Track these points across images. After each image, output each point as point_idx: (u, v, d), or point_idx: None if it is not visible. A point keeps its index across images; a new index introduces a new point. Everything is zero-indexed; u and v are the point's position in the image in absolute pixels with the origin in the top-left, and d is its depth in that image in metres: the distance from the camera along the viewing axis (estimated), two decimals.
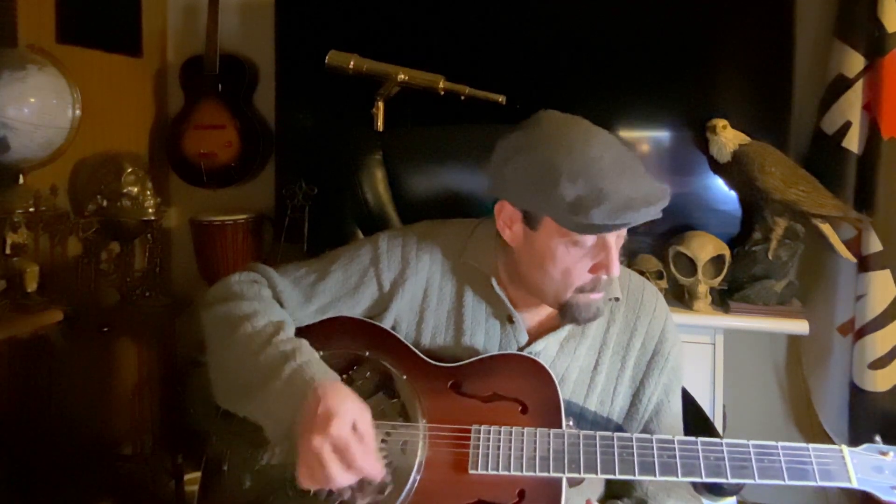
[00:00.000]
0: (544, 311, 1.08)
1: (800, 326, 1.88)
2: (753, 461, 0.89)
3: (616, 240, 0.97)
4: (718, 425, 1.88)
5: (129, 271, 2.31)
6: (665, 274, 1.97)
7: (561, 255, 0.96)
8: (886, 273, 1.91)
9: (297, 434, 0.87)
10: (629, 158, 0.94)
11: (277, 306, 1.06)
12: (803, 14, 2.00)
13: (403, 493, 0.92)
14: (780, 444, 0.90)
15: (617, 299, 1.08)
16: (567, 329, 1.06)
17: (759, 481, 0.88)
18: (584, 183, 0.89)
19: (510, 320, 1.06)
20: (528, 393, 0.98)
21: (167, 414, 2.41)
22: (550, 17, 2.13)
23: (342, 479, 0.85)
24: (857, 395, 1.96)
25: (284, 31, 2.36)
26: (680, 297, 1.98)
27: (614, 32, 2.11)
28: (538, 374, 0.99)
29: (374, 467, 0.87)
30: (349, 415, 0.86)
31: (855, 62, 1.92)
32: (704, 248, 1.90)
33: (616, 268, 0.96)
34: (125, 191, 2.18)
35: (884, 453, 0.89)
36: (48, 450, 1.96)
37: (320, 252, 1.16)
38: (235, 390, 0.98)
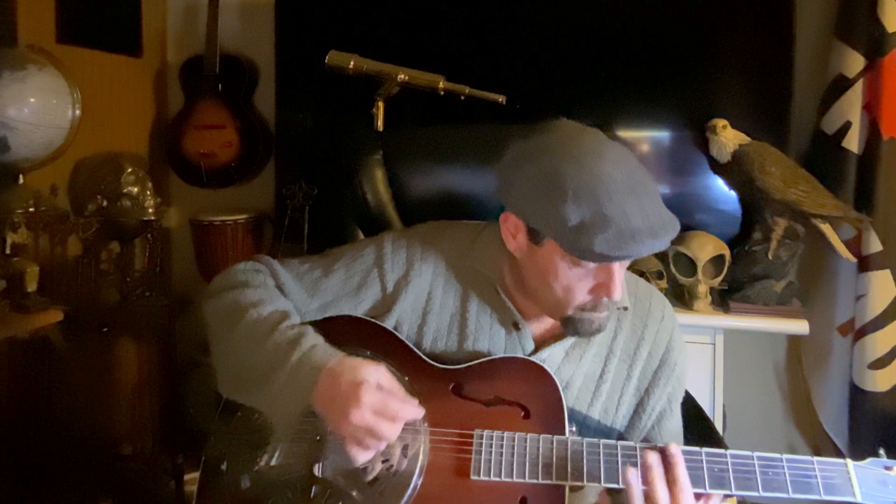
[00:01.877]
0: (550, 319, 1.06)
1: (800, 326, 1.88)
2: (758, 473, 0.88)
3: (620, 262, 0.94)
4: (718, 425, 1.88)
5: (129, 271, 2.31)
6: (665, 274, 1.97)
7: (563, 273, 0.94)
8: (886, 273, 1.91)
9: (332, 423, 0.89)
10: (641, 178, 0.90)
11: (282, 296, 1.06)
12: (803, 14, 2.00)
13: (405, 498, 0.91)
14: (785, 456, 0.90)
15: (626, 308, 1.06)
16: (573, 337, 1.05)
17: (762, 494, 0.88)
18: (589, 205, 0.87)
19: (516, 327, 1.05)
20: (531, 398, 0.97)
21: (167, 414, 2.41)
22: (550, 17, 2.13)
23: (392, 433, 0.89)
24: (857, 395, 1.95)
25: (284, 31, 2.36)
26: (680, 297, 1.98)
27: (614, 32, 2.11)
28: (541, 379, 0.98)
29: (413, 410, 0.92)
30: (371, 378, 0.90)
31: (855, 62, 1.92)
32: (704, 248, 1.90)
33: (617, 292, 0.94)
34: (125, 191, 2.17)
35: (889, 468, 0.89)
36: (48, 450, 1.96)
37: (320, 252, 1.15)
38: (241, 378, 0.98)
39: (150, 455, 2.33)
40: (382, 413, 0.87)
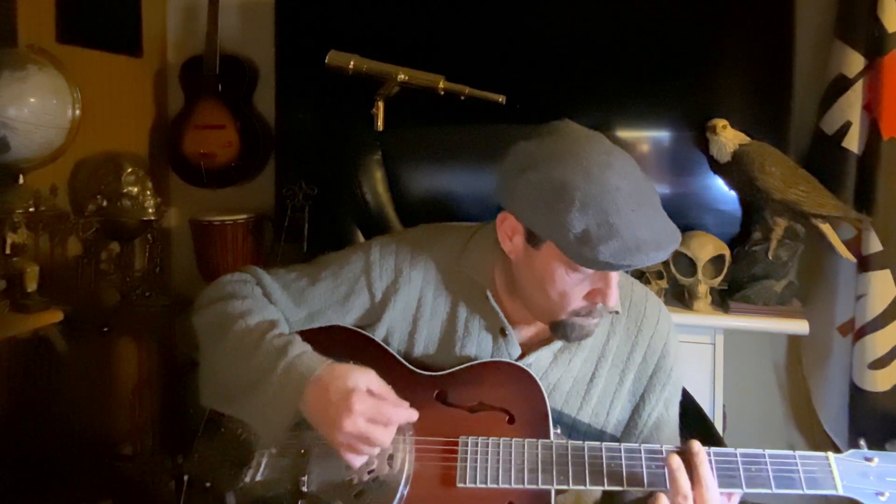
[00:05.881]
0: (539, 323, 1.05)
1: (800, 326, 1.88)
2: (741, 470, 0.88)
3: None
4: (718, 425, 1.88)
5: (129, 271, 2.32)
6: (665, 274, 1.97)
7: (559, 278, 0.92)
8: (886, 273, 1.91)
9: (324, 432, 0.89)
10: (646, 190, 0.89)
11: (270, 305, 1.06)
12: (803, 14, 2.00)
13: None
14: (767, 451, 0.90)
15: (617, 313, 1.05)
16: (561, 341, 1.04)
17: (746, 490, 0.88)
18: (596, 215, 0.85)
19: (503, 333, 1.04)
20: (515, 401, 0.96)
21: (167, 414, 2.41)
22: (550, 16, 2.13)
23: (386, 438, 0.88)
24: (857, 395, 1.96)
25: (284, 31, 2.36)
26: (680, 297, 1.98)
27: (614, 32, 2.11)
28: (525, 383, 0.97)
29: (406, 413, 0.92)
30: (361, 384, 0.89)
31: (855, 62, 1.92)
32: (704, 248, 1.90)
33: (614, 299, 0.93)
34: (125, 191, 2.18)
35: (869, 459, 0.89)
36: (48, 450, 1.96)
37: (320, 252, 1.15)
38: (229, 389, 0.97)
39: (150, 455, 2.33)
40: (375, 419, 0.88)
